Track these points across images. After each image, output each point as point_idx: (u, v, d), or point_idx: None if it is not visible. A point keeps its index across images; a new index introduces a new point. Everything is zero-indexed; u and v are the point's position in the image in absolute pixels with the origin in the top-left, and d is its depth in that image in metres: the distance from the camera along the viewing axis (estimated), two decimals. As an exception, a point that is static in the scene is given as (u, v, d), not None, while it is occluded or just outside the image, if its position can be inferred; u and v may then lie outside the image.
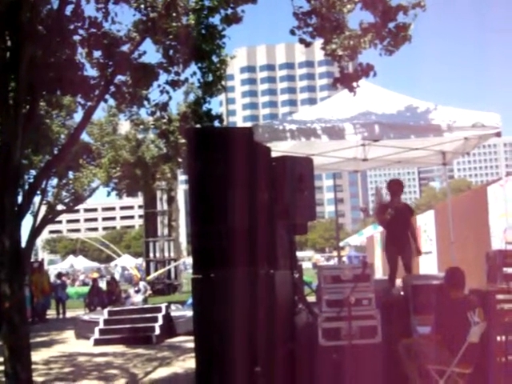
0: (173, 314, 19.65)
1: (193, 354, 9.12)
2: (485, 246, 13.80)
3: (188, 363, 13.48)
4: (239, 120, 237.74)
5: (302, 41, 10.36)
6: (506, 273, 9.73)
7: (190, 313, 16.38)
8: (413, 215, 13.83)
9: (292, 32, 10.26)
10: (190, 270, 11.10)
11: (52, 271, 46.36)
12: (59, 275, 35.60)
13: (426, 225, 22.18)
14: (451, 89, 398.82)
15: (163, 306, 19.82)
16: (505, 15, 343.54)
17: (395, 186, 12.80)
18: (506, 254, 10.05)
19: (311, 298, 11.57)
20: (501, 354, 8.96)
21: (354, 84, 10.21)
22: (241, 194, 8.65)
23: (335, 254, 65.70)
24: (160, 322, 18.72)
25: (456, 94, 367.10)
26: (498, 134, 10.65)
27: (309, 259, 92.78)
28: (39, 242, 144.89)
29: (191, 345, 9.48)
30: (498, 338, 8.98)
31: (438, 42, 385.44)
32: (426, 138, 11.53)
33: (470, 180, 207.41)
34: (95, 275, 38.94)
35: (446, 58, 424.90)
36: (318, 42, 10.54)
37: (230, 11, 12.20)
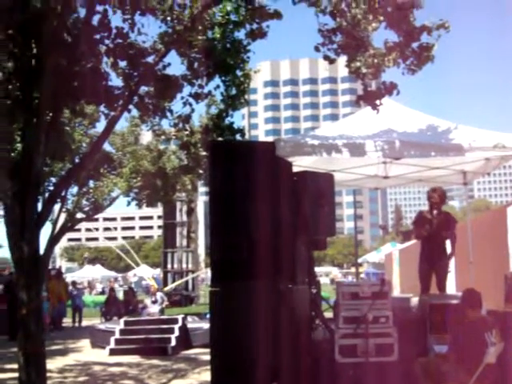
0: (189, 325, 19.65)
1: (208, 367, 9.11)
2: (504, 267, 13.69)
3: (203, 376, 13.46)
4: (261, 134, 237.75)
5: (326, 57, 10.38)
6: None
7: (206, 325, 16.36)
8: (456, 223, 12.90)
9: (316, 49, 10.28)
10: (207, 282, 11.12)
11: (69, 279, 46.45)
12: (73, 283, 35.76)
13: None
14: (473, 109, 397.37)
15: (180, 317, 19.80)
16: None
17: (437, 196, 12.35)
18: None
19: (328, 314, 11.53)
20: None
21: (377, 102, 10.20)
22: (261, 207, 8.67)
23: (353, 270, 65.47)
24: (176, 333, 18.69)
25: (477, 115, 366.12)
26: (520, 155, 10.60)
27: (326, 275, 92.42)
28: (57, 249, 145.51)
29: (207, 357, 9.46)
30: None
31: (461, 61, 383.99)
32: (447, 158, 11.50)
33: (490, 200, 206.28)
34: (113, 284, 39.03)
35: (468, 78, 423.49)
36: (342, 59, 10.57)
37: (255, 26, 12.25)
